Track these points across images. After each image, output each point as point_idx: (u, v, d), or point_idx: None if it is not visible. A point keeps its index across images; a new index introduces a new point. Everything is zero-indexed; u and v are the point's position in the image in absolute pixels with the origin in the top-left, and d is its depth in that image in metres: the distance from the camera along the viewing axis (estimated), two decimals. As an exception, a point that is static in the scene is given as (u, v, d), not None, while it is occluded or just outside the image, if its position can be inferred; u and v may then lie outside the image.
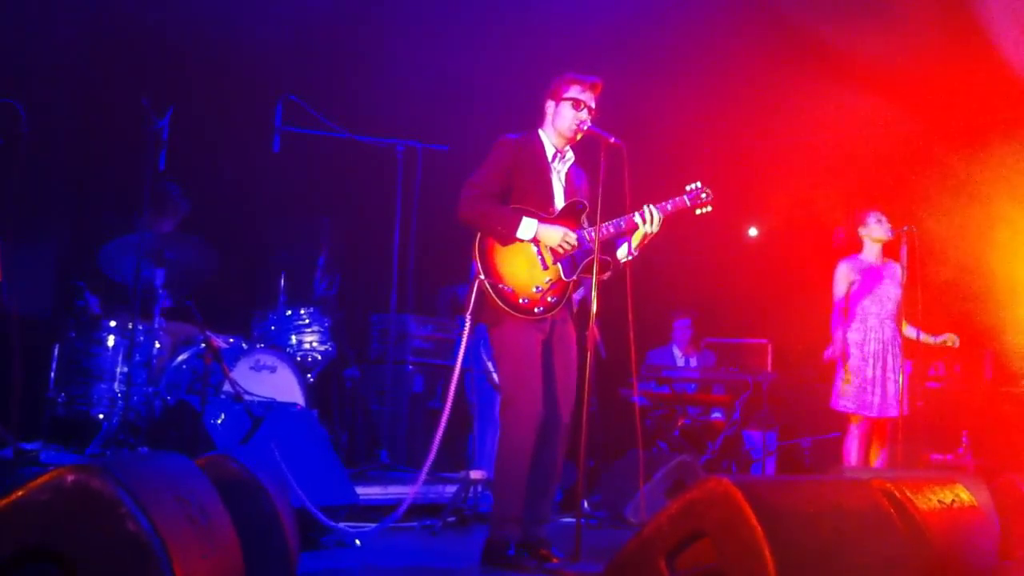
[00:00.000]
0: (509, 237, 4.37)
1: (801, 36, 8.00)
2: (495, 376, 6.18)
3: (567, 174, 4.61)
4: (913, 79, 8.34)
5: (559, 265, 4.42)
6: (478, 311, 4.37)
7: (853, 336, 6.38)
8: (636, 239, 4.51)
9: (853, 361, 6.32)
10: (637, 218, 4.43)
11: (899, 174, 8.69)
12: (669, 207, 4.50)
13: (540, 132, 4.60)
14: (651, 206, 4.45)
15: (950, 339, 6.43)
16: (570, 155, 4.62)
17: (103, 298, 6.05)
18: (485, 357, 6.35)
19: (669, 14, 8.18)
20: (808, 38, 7.98)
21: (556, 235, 4.39)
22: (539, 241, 4.39)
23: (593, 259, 4.34)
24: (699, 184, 4.58)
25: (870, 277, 6.42)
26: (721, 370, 8.24)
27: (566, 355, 4.50)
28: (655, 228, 4.45)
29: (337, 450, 5.72)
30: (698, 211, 4.57)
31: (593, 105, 4.53)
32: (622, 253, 4.55)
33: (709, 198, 4.57)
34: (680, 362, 8.88)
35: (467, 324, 4.42)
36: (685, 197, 4.54)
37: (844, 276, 6.48)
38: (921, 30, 7.85)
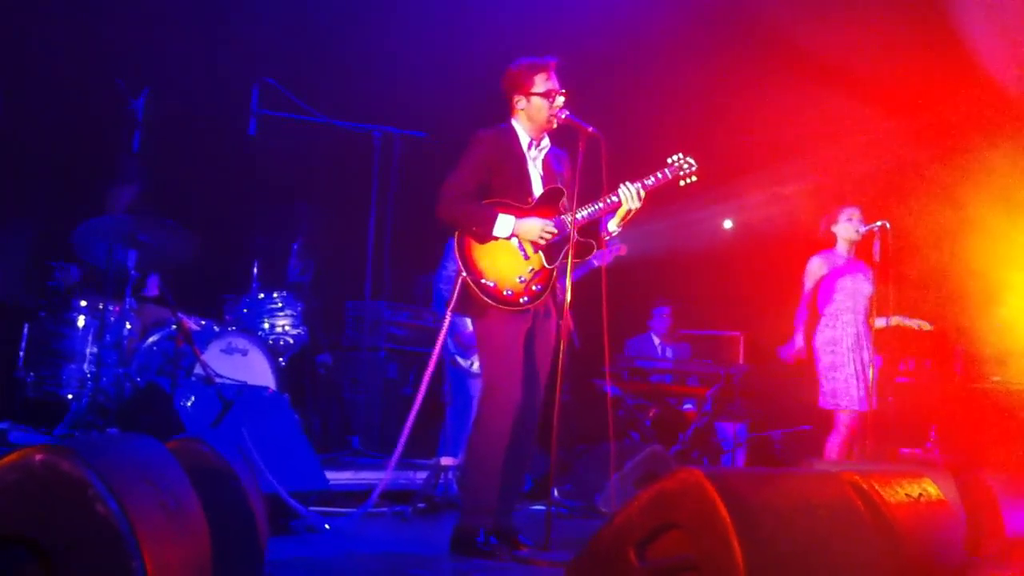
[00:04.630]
0: (486, 236, 4.34)
1: (779, 35, 8.02)
2: (459, 360, 6.17)
3: (544, 161, 4.57)
4: (890, 81, 8.40)
5: (540, 254, 4.40)
6: (462, 305, 4.36)
7: (828, 333, 6.34)
8: (619, 215, 4.48)
9: (834, 358, 6.30)
10: (614, 198, 4.42)
11: (874, 173, 8.75)
12: (650, 182, 4.48)
13: (514, 123, 4.55)
14: (629, 184, 4.42)
15: (924, 324, 6.49)
16: (546, 142, 4.58)
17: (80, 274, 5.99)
18: (450, 344, 6.31)
19: (647, 8, 8.18)
20: (786, 37, 8.01)
21: (534, 229, 4.36)
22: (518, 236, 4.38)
23: (575, 242, 4.34)
24: (680, 156, 4.54)
25: (843, 273, 6.40)
26: (694, 361, 8.27)
27: (545, 348, 4.47)
28: (637, 204, 4.42)
29: (309, 436, 5.70)
30: (682, 183, 4.54)
31: (559, 86, 4.49)
32: (612, 225, 4.50)
33: (692, 168, 4.53)
34: (659, 351, 8.90)
35: (447, 319, 4.40)
36: (666, 171, 4.51)
37: (815, 271, 6.43)
38: (899, 33, 7.89)
